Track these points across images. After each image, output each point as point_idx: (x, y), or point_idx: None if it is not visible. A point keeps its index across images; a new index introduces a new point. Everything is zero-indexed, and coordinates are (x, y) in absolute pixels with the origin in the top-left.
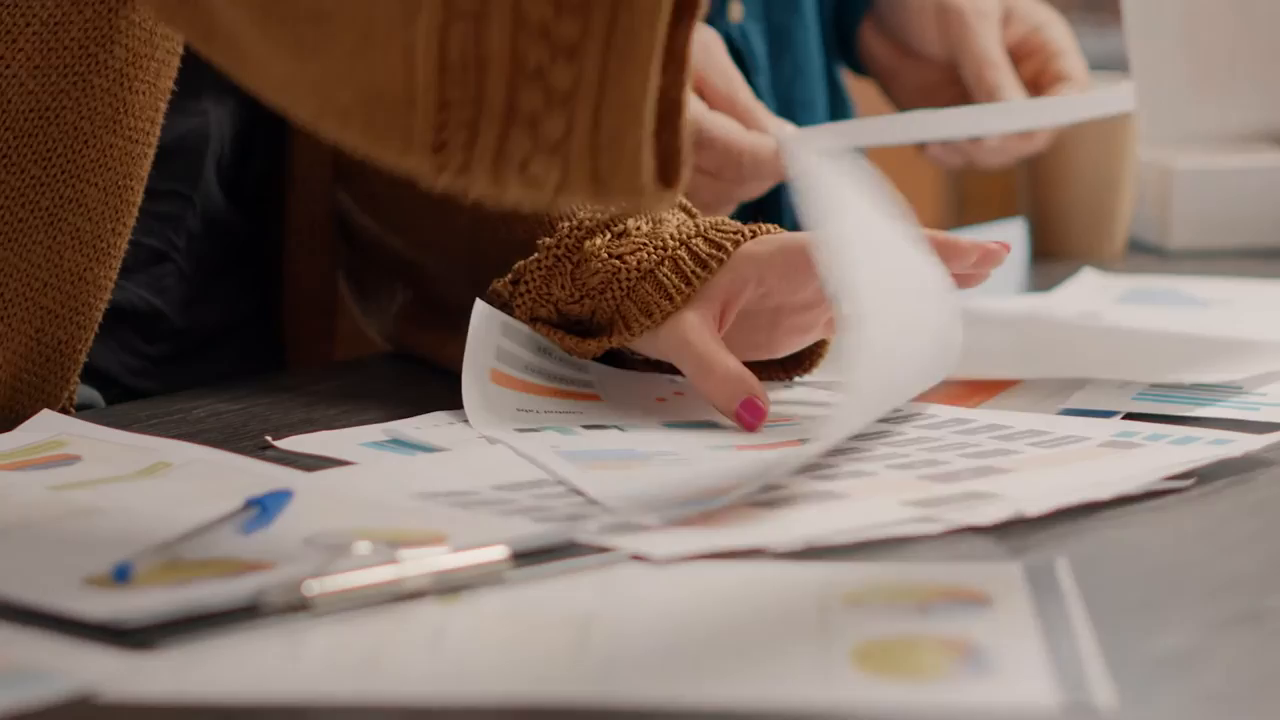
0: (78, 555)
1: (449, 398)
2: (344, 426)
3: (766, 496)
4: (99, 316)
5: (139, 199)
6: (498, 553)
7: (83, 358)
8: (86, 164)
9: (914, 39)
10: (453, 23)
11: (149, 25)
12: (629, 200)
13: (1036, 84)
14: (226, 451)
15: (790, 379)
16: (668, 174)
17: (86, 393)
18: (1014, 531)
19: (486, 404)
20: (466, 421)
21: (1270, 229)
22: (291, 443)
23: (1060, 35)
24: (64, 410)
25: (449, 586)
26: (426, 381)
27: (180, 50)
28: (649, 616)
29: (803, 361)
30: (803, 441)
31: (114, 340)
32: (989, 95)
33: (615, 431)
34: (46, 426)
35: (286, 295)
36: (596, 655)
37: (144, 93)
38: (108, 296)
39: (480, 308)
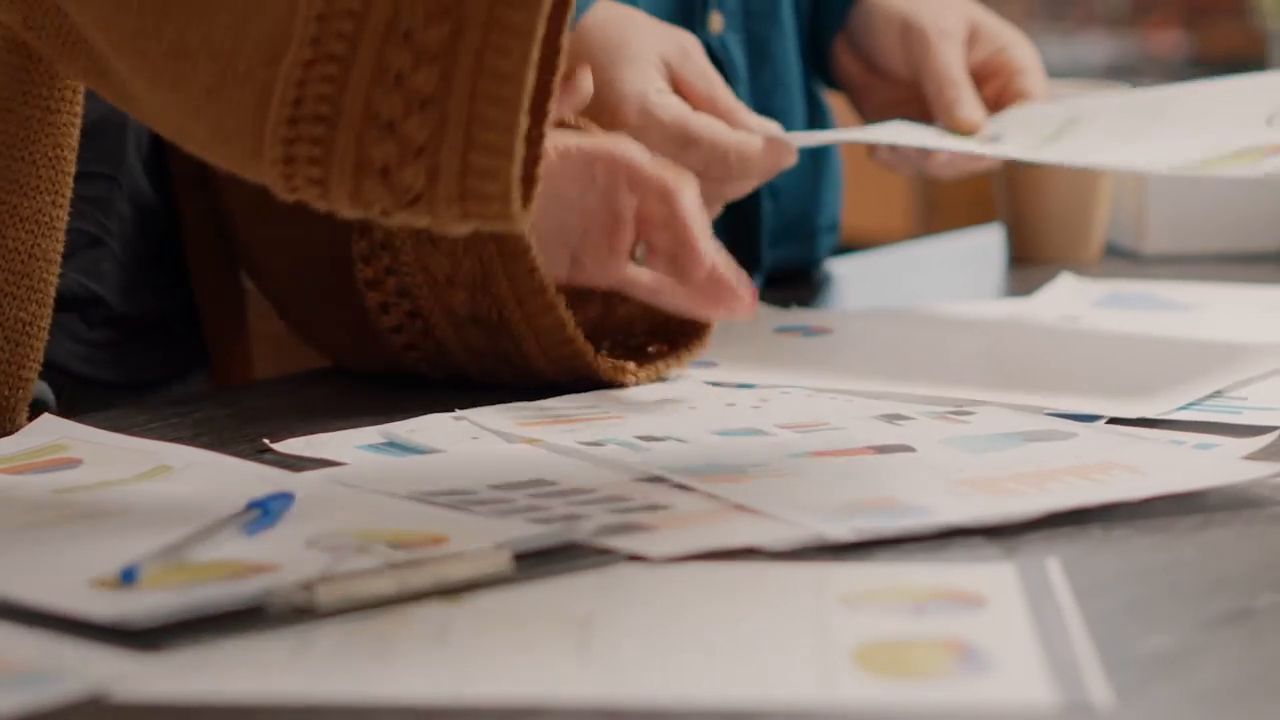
0: (84, 558)
1: (444, 401)
2: (339, 430)
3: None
4: (52, 292)
5: (72, 170)
6: (499, 554)
7: (45, 334)
8: (10, 139)
9: (880, 57)
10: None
11: None
12: (494, 220)
13: (998, 102)
14: (225, 455)
15: (676, 363)
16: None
17: (38, 386)
18: (1005, 532)
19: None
20: (461, 424)
21: (1242, 234)
22: (288, 445)
23: (1024, 54)
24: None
25: (451, 587)
26: (420, 385)
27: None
28: (649, 617)
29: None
30: (879, 449)
31: (56, 327)
32: (946, 112)
33: (674, 442)
34: (47, 431)
35: (195, 290)
36: (599, 655)
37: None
38: (57, 270)
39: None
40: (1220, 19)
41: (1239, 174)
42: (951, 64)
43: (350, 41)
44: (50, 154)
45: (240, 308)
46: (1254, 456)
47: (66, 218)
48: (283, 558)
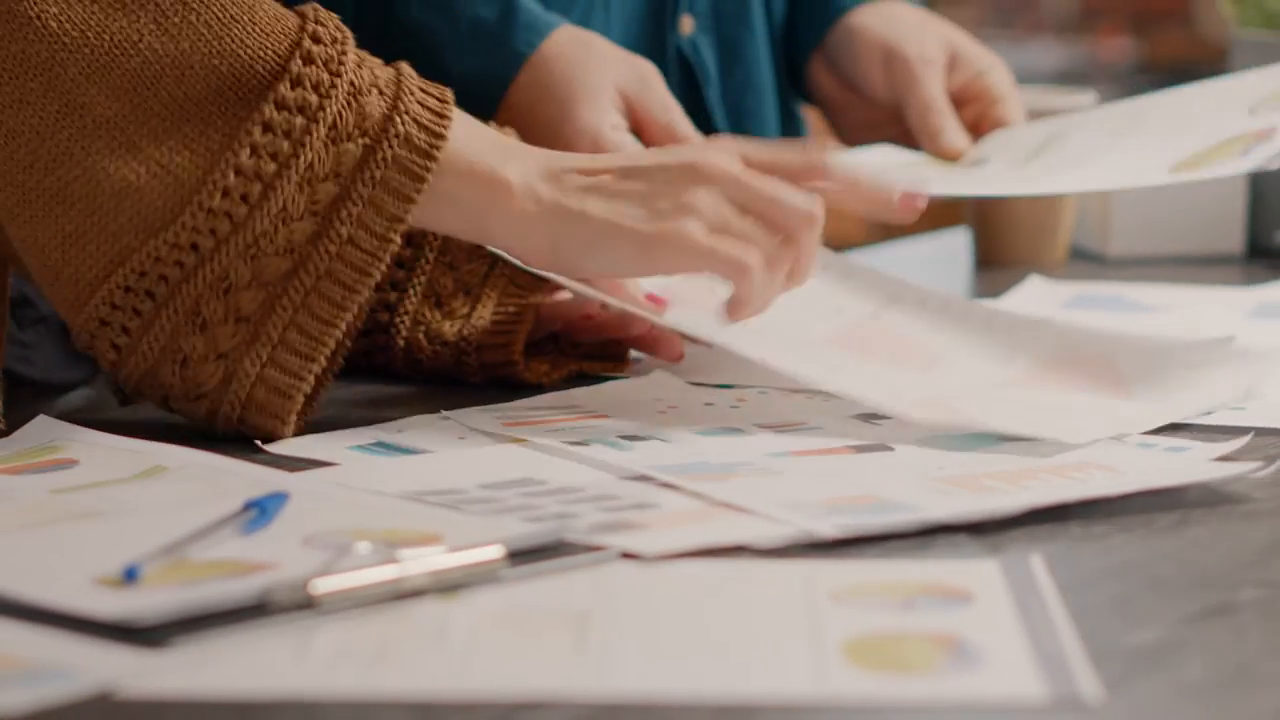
0: (85, 556)
1: (429, 403)
2: (328, 431)
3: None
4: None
5: None
6: (494, 552)
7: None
8: None
9: (861, 81)
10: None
11: None
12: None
13: (977, 128)
14: (219, 455)
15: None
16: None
17: None
18: (987, 529)
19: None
20: (448, 424)
21: (1203, 237)
22: (280, 446)
23: (1002, 81)
24: None
25: (448, 585)
26: (407, 388)
27: None
28: (644, 613)
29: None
30: (858, 449)
31: None
32: (932, 139)
33: (657, 442)
34: (41, 431)
35: None
36: (597, 651)
37: None
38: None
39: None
40: (1166, 26)
41: (1222, 172)
42: (936, 94)
43: (209, 247)
44: None
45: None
46: (1226, 459)
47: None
48: (280, 556)
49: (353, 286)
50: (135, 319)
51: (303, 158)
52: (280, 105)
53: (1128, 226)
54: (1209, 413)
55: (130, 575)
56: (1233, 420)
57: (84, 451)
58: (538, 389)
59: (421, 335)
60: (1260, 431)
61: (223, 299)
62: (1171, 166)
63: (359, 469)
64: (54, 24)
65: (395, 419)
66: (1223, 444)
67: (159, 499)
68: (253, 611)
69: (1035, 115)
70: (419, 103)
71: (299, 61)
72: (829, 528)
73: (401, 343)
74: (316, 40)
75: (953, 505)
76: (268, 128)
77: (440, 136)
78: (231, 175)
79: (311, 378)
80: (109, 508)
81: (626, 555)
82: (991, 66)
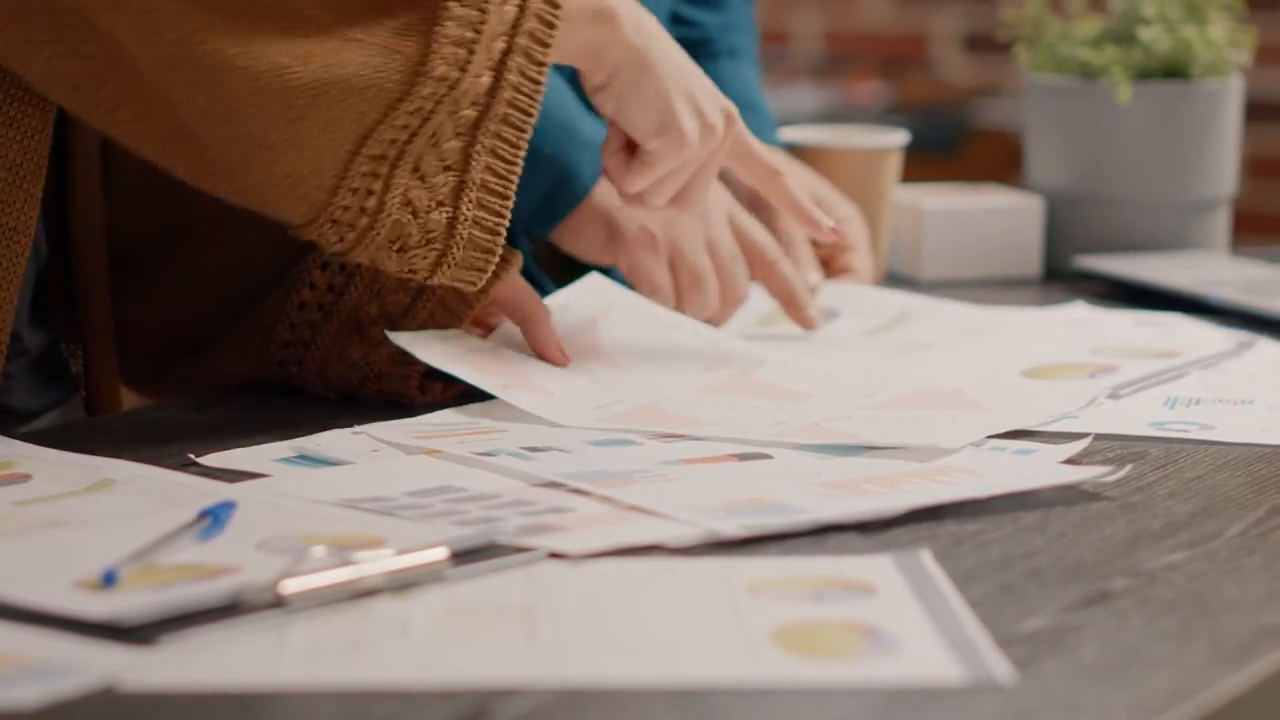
0: (61, 562)
1: (335, 417)
2: (252, 444)
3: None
4: (3, 333)
5: (30, 221)
6: (440, 553)
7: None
8: None
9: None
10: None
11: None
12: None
13: (825, 268)
14: (161, 468)
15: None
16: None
17: None
18: (873, 528)
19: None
20: (360, 438)
21: (1006, 261)
22: (213, 459)
23: (857, 232)
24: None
25: (400, 584)
26: (313, 403)
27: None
28: (582, 607)
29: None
30: (740, 457)
31: None
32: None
33: (556, 452)
34: None
35: (80, 325)
36: (548, 642)
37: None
38: (9, 315)
39: None
40: (913, 71)
41: (1074, 390)
42: (798, 237)
43: (428, 110)
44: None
45: (111, 342)
46: (1072, 460)
47: (29, 235)
48: (240, 560)
49: (521, 127)
50: (376, 182)
51: (488, 23)
52: None
53: (938, 252)
54: (1056, 419)
55: (109, 579)
56: (1073, 426)
57: (35, 466)
58: (437, 406)
59: (336, 356)
60: (1099, 436)
61: (434, 151)
62: (1023, 371)
63: (291, 479)
64: None
65: (309, 434)
66: (1067, 446)
67: (114, 509)
68: (226, 611)
69: (855, 153)
70: None
71: None
72: (733, 528)
73: (317, 359)
74: None
75: (840, 506)
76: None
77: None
78: (447, 46)
79: (506, 221)
80: (70, 518)
81: (554, 555)
82: (849, 217)
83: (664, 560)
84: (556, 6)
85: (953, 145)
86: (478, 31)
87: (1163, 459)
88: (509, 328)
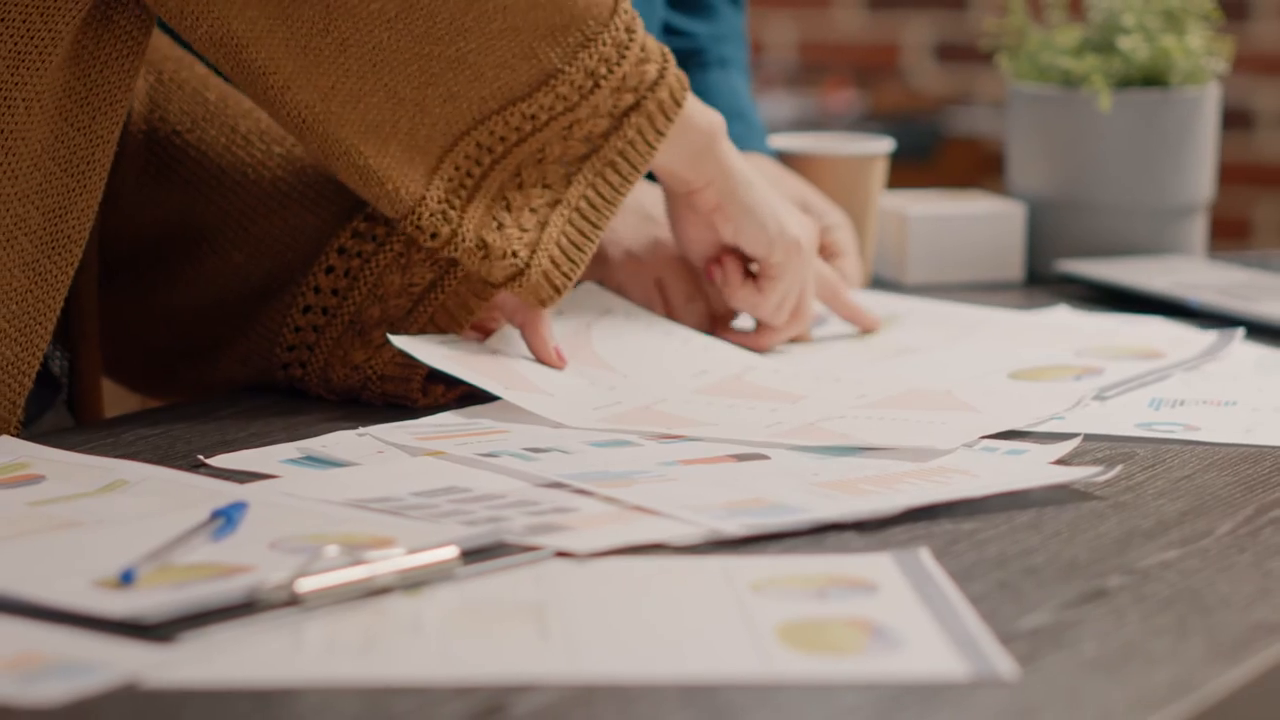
0: (78, 561)
1: (338, 419)
2: (257, 446)
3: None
4: (46, 338)
5: (84, 229)
6: (450, 552)
7: (30, 380)
8: (30, 190)
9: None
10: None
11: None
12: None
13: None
14: (171, 469)
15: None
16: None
17: None
18: (871, 527)
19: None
20: (365, 439)
21: (989, 266)
22: (221, 460)
23: (845, 238)
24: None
25: (412, 582)
26: (317, 405)
27: (127, 102)
28: (591, 604)
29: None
30: (738, 458)
31: None
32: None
33: (558, 453)
34: (7, 450)
35: (70, 335)
36: (560, 639)
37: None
38: (52, 320)
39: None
40: (886, 79)
41: (1059, 391)
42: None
43: (543, 121)
44: (58, 209)
45: (98, 347)
46: (1063, 460)
47: (70, 272)
48: (254, 559)
49: (627, 176)
50: (478, 169)
51: (619, 71)
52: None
53: (923, 257)
54: (1045, 420)
55: (127, 578)
56: (1061, 427)
57: (48, 468)
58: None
59: (339, 359)
60: (1087, 437)
61: (535, 167)
62: (1010, 373)
63: (300, 480)
64: None
65: (315, 435)
66: (1057, 446)
67: (127, 509)
68: (243, 609)
69: (843, 160)
70: (675, 75)
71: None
72: (735, 526)
73: (321, 362)
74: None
75: (839, 506)
76: (609, 44)
77: (683, 100)
78: (578, 70)
79: (592, 245)
80: (85, 518)
81: (561, 553)
82: (838, 224)
83: (667, 559)
84: (686, 89)
85: (926, 153)
86: (610, 70)
87: (1151, 459)
88: (508, 331)
